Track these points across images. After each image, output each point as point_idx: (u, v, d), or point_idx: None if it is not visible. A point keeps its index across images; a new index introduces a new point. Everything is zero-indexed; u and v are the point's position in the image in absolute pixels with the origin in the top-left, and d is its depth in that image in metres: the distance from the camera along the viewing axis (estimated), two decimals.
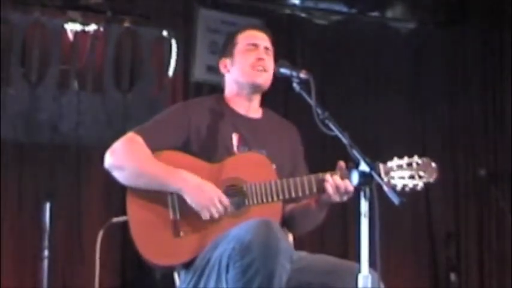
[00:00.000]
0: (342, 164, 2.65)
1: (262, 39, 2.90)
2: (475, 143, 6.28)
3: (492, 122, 6.28)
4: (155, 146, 2.71)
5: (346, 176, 2.62)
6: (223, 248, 2.45)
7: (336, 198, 2.64)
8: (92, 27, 5.24)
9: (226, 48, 2.95)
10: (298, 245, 2.82)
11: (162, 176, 2.65)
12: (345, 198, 2.65)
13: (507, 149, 6.05)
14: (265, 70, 2.83)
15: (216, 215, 2.61)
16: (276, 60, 2.83)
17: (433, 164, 2.72)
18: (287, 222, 2.82)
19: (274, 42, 2.93)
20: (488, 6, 6.14)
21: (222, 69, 2.96)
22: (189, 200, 2.62)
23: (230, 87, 2.93)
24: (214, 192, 2.62)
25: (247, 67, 2.84)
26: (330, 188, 2.63)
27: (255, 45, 2.87)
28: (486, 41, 6.31)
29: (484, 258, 6.16)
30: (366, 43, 6.19)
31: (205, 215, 2.61)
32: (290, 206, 2.83)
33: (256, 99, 2.91)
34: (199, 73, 5.57)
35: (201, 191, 2.61)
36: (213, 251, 2.52)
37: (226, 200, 2.63)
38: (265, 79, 2.85)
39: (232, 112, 2.87)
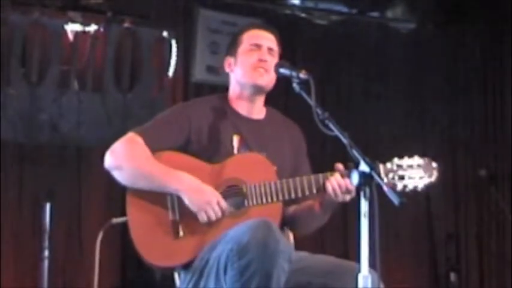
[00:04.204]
0: (339, 165, 2.65)
1: (267, 39, 2.86)
2: (475, 144, 6.29)
3: (492, 123, 6.28)
4: (155, 147, 2.70)
5: (346, 175, 2.62)
6: (221, 249, 2.45)
7: (338, 197, 2.64)
8: (92, 28, 5.23)
9: (231, 46, 2.92)
10: (298, 245, 2.82)
11: (161, 177, 2.64)
12: (348, 198, 2.65)
13: (507, 150, 6.06)
14: (266, 71, 2.81)
15: (213, 218, 2.61)
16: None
17: (434, 164, 2.71)
18: (290, 223, 2.82)
19: (281, 42, 2.90)
20: (488, 6, 6.14)
21: (226, 68, 2.92)
22: (187, 201, 2.62)
23: (233, 87, 2.90)
24: (212, 195, 2.62)
25: (249, 68, 2.82)
26: (329, 186, 2.62)
27: (258, 46, 2.84)
28: (486, 41, 6.32)
29: (484, 258, 6.16)
30: (366, 43, 6.19)
31: (203, 218, 2.61)
32: (293, 207, 2.82)
33: (259, 100, 2.89)
34: (199, 73, 5.57)
35: (199, 193, 2.61)
36: (212, 252, 2.52)
37: (224, 203, 2.63)
38: (267, 80, 2.82)
39: (234, 113, 2.85)
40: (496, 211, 6.09)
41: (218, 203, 2.61)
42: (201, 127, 2.77)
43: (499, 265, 6.11)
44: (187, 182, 2.63)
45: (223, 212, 2.62)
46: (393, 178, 2.67)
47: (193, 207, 2.62)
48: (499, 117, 6.26)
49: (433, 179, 2.70)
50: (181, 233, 2.63)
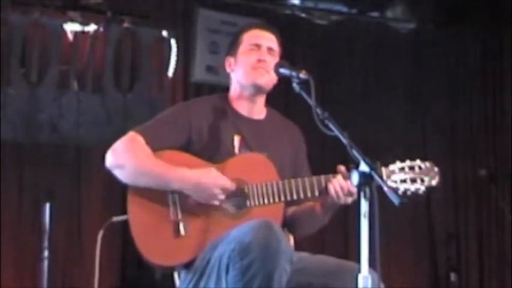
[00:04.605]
0: (341, 167, 2.65)
1: (267, 39, 2.86)
2: (475, 144, 6.28)
3: (492, 123, 6.28)
4: (156, 146, 2.70)
5: (347, 177, 2.61)
6: (223, 249, 2.45)
7: (340, 200, 2.64)
8: (91, 28, 5.23)
9: (231, 46, 2.92)
10: (299, 245, 2.82)
11: (163, 175, 2.65)
12: (349, 200, 2.65)
13: (507, 150, 6.05)
14: (266, 71, 2.80)
15: (223, 199, 2.63)
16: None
17: (436, 169, 2.72)
18: (290, 224, 2.82)
19: (282, 42, 2.89)
20: (488, 6, 6.14)
21: (227, 68, 2.92)
22: (193, 196, 2.63)
23: (234, 87, 2.90)
24: (213, 183, 2.62)
25: (248, 68, 2.82)
26: (332, 188, 2.62)
27: (258, 46, 2.83)
28: (486, 41, 6.31)
29: (484, 258, 6.16)
30: (366, 43, 6.19)
31: (215, 203, 2.64)
32: (293, 208, 2.82)
33: (260, 100, 2.89)
34: (199, 73, 5.57)
35: (201, 187, 2.62)
36: (213, 252, 2.52)
37: (227, 184, 2.63)
38: (267, 80, 2.82)
39: (235, 113, 2.85)
40: (496, 211, 6.09)
41: (222, 188, 2.62)
42: (201, 127, 2.77)
43: (499, 265, 6.11)
44: (188, 178, 2.63)
45: (228, 192, 2.63)
46: (395, 181, 2.67)
47: (201, 200, 2.63)
48: (499, 117, 6.25)
49: (434, 183, 2.70)
50: (182, 232, 2.63)
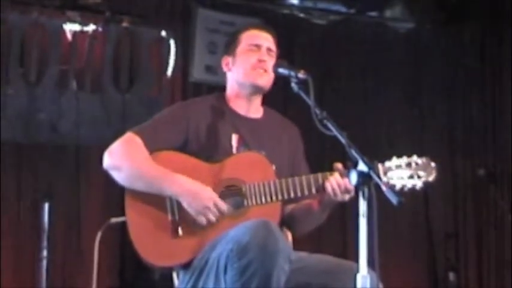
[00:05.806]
0: (338, 165, 2.65)
1: (266, 40, 2.86)
2: (474, 143, 6.29)
3: (492, 122, 6.28)
4: (154, 147, 2.70)
5: (344, 175, 2.62)
6: (221, 249, 2.45)
7: (338, 197, 2.64)
8: (90, 28, 5.23)
9: (229, 46, 2.92)
10: (297, 245, 2.82)
11: (159, 180, 2.64)
12: (347, 197, 2.65)
13: (506, 149, 6.05)
14: (265, 72, 2.81)
15: (213, 220, 2.61)
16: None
17: (433, 164, 2.71)
18: (288, 222, 2.82)
19: (279, 43, 2.90)
20: (488, 6, 6.14)
21: (224, 67, 2.93)
22: (185, 205, 2.62)
23: (231, 86, 2.91)
24: (209, 197, 2.61)
25: (249, 68, 2.82)
26: (329, 186, 2.62)
27: (258, 46, 2.84)
28: (486, 41, 6.31)
29: (483, 258, 6.16)
30: (365, 43, 6.18)
31: (202, 220, 2.61)
32: (291, 206, 2.82)
33: (257, 99, 2.90)
34: (197, 73, 5.57)
35: (197, 197, 2.61)
36: (211, 252, 2.52)
37: (222, 204, 2.62)
38: (267, 80, 2.82)
39: (232, 112, 2.85)
40: (495, 210, 6.09)
41: (216, 206, 2.61)
42: (199, 126, 2.77)
43: (498, 265, 6.11)
44: (184, 185, 2.62)
45: (222, 213, 2.62)
46: (392, 178, 2.67)
47: (191, 211, 2.62)
48: (498, 117, 6.25)
49: (431, 178, 2.70)
50: (180, 233, 2.63)
